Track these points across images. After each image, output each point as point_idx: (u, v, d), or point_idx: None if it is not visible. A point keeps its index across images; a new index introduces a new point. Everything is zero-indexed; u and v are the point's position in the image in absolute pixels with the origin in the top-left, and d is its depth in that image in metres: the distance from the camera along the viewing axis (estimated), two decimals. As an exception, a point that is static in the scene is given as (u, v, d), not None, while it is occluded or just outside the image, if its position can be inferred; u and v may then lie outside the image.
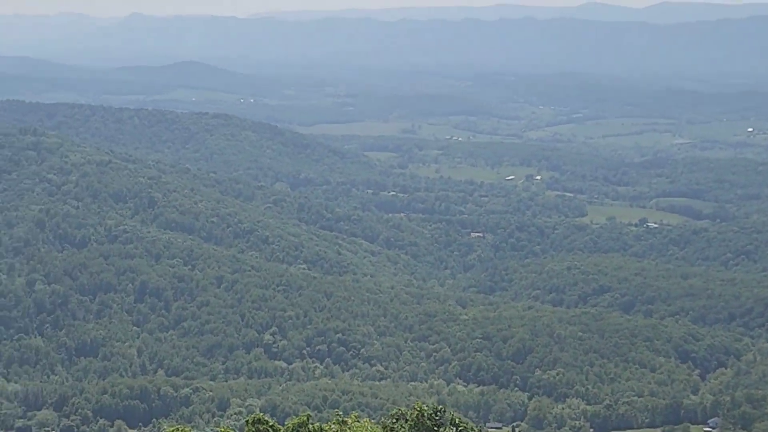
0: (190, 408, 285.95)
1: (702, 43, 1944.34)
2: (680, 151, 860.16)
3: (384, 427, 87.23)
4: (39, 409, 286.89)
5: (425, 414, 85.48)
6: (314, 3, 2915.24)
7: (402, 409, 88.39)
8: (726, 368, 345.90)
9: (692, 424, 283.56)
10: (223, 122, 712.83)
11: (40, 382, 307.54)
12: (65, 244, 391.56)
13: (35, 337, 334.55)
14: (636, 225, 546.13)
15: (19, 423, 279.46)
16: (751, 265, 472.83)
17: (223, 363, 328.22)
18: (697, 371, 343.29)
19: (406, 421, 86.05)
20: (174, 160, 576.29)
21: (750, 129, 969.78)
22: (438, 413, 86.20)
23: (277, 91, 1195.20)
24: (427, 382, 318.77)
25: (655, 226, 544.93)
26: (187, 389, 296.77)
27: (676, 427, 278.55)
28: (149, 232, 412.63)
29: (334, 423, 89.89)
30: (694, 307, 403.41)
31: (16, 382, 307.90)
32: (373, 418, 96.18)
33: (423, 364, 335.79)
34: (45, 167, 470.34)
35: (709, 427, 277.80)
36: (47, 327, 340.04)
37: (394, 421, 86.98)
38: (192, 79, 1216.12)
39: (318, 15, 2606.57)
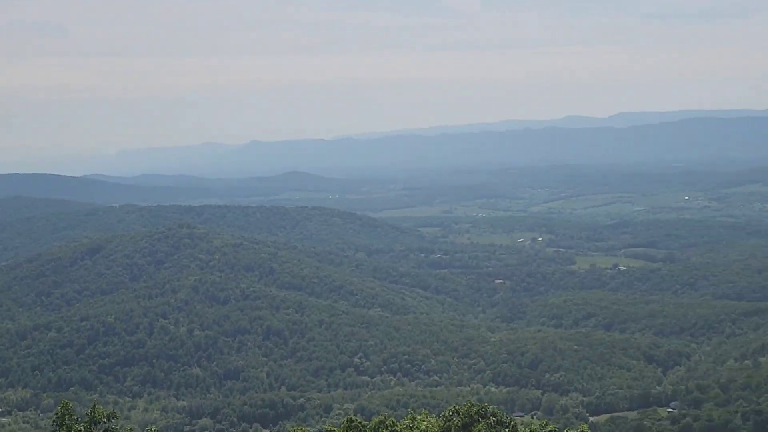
0: (305, 412, 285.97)
1: (649, 139, 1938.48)
2: (638, 215, 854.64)
3: (443, 420, 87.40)
4: (200, 418, 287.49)
5: (473, 409, 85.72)
6: (378, 126, 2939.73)
7: (456, 406, 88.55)
8: (680, 366, 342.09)
9: (658, 407, 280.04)
10: (318, 213, 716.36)
11: (200, 399, 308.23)
12: (213, 302, 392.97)
13: (195, 368, 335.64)
14: (610, 269, 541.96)
15: (186, 429, 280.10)
16: (693, 293, 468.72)
17: (326, 380, 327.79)
18: (660, 369, 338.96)
19: (459, 414, 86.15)
20: (286, 241, 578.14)
21: (686, 197, 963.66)
22: (483, 409, 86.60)
23: (355, 189, 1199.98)
24: (469, 386, 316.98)
25: (624, 269, 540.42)
26: (302, 399, 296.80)
27: (647, 409, 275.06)
28: (271, 291, 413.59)
29: (407, 419, 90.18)
30: (655, 324, 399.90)
31: (183, 400, 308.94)
32: (434, 414, 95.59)
33: (466, 373, 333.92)
34: (197, 250, 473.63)
35: (671, 409, 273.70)
36: (203, 360, 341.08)
37: (450, 414, 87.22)
38: (295, 183, 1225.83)
39: (380, 135, 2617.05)
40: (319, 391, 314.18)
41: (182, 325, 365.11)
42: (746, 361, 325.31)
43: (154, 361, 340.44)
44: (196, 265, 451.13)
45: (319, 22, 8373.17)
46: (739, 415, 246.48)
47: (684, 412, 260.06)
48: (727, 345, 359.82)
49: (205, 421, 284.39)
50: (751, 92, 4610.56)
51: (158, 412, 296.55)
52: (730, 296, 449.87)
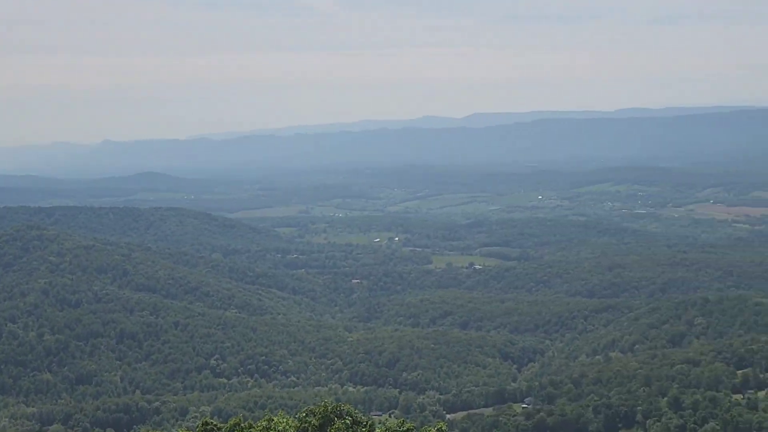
0: (160, 416, 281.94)
1: (504, 139, 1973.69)
2: (493, 214, 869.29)
3: (299, 421, 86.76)
4: (51, 425, 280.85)
5: (329, 409, 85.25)
6: (233, 126, 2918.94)
7: (311, 407, 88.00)
8: (534, 363, 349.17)
9: (513, 403, 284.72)
10: (173, 213, 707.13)
11: (51, 405, 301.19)
12: (64, 305, 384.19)
13: (46, 373, 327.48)
14: (466, 267, 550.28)
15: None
16: (547, 290, 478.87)
17: (182, 382, 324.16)
18: (515, 366, 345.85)
19: (315, 415, 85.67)
20: (139, 242, 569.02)
21: (540, 197, 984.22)
22: (338, 408, 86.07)
23: (210, 189, 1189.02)
24: (327, 386, 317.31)
25: (480, 267, 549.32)
26: (157, 402, 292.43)
27: (502, 405, 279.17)
28: (124, 294, 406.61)
29: (263, 420, 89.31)
30: (510, 321, 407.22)
31: (33, 407, 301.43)
32: (291, 415, 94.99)
33: (323, 373, 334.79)
34: (47, 252, 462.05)
35: (525, 404, 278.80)
36: (54, 365, 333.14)
37: (306, 415, 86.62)
38: (150, 184, 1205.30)
39: (237, 135, 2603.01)
40: (175, 394, 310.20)
41: (32, 330, 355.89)
42: (597, 357, 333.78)
43: (2, 366, 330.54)
44: (46, 267, 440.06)
45: (180, 22, 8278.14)
46: (590, 409, 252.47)
47: (538, 407, 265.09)
48: (579, 341, 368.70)
49: (56, 427, 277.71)
50: (601, 94, 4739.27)
51: (7, 419, 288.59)
52: (582, 293, 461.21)
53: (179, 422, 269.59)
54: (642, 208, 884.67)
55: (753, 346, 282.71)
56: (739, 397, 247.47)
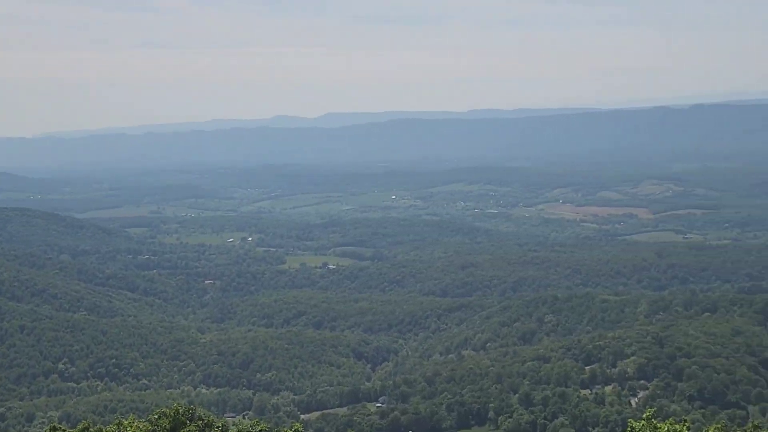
0: (5, 422, 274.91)
1: (357, 139, 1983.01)
2: (347, 214, 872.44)
3: (151, 424, 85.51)
4: None
5: (180, 412, 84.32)
6: (82, 124, 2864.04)
7: (163, 409, 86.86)
8: (389, 362, 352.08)
9: (368, 402, 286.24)
10: (19, 214, 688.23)
11: None
12: None
13: None
14: (320, 267, 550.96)
15: None
16: (400, 289, 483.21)
17: (28, 387, 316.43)
18: (369, 365, 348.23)
19: (167, 417, 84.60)
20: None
21: (393, 196, 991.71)
22: (189, 410, 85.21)
23: (58, 189, 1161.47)
24: (179, 388, 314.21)
25: (334, 267, 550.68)
26: (2, 408, 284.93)
27: (357, 405, 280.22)
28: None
29: (113, 424, 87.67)
30: (364, 321, 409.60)
31: None
32: (143, 419, 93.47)
33: (176, 376, 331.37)
34: None
35: (379, 404, 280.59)
36: None
37: (157, 418, 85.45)
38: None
39: (85, 134, 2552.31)
40: (21, 400, 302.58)
41: None
42: (450, 355, 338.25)
43: None
44: None
45: (32, 17, 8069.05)
46: (444, 406, 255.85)
47: (392, 406, 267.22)
48: (433, 339, 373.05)
49: None
50: (453, 95, 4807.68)
51: None
52: (435, 292, 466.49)
53: (25, 428, 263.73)
54: (494, 207, 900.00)
55: (600, 343, 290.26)
56: (587, 392, 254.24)
